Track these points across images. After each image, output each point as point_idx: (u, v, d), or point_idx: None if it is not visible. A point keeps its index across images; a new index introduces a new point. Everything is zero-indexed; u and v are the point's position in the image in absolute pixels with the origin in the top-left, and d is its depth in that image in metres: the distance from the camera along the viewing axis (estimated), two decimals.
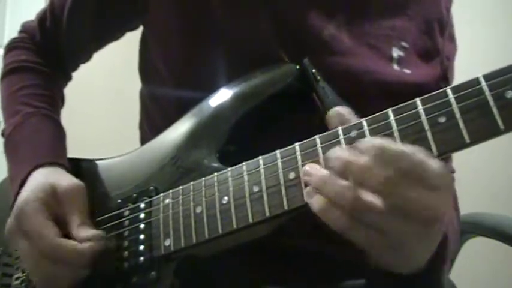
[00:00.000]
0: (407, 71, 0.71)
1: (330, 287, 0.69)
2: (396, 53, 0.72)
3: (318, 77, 0.66)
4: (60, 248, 0.62)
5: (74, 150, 0.79)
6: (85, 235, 0.63)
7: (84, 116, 1.70)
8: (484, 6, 1.97)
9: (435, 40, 0.76)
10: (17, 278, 0.71)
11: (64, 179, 0.69)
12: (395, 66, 0.71)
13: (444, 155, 0.50)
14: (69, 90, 0.92)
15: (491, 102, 0.47)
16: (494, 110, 0.47)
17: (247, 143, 0.66)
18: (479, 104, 0.48)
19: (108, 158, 0.75)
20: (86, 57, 0.90)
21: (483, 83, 0.48)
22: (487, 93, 0.48)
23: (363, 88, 0.69)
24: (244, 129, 0.67)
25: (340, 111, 0.58)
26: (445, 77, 0.75)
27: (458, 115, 0.49)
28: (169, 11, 0.75)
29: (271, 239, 0.60)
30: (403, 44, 0.73)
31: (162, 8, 0.76)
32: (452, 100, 0.49)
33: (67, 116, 0.85)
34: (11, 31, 1.57)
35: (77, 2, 0.83)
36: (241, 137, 0.67)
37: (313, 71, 0.66)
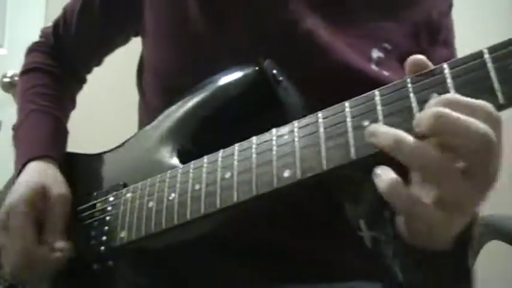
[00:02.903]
0: (385, 72, 0.70)
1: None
2: (376, 54, 0.71)
3: (280, 78, 0.66)
4: (33, 253, 0.69)
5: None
6: (57, 245, 0.69)
7: (86, 116, 1.76)
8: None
9: (422, 45, 0.74)
10: None
11: (55, 185, 0.74)
12: (373, 67, 0.70)
13: None
14: None
15: (493, 76, 0.45)
16: (496, 85, 0.45)
17: (211, 144, 0.68)
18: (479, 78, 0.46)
19: (94, 154, 0.80)
20: (97, 61, 0.96)
21: (486, 55, 0.46)
22: (490, 65, 0.46)
23: (338, 84, 0.66)
24: (207, 130, 0.69)
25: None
26: None
27: (452, 91, 0.47)
28: (157, 18, 0.78)
29: (262, 237, 0.62)
30: (386, 45, 0.72)
31: (152, 14, 0.79)
32: (448, 74, 0.48)
33: (70, 116, 0.92)
34: (11, 31, 1.57)
35: (84, 7, 0.89)
36: (204, 138, 0.69)
37: (274, 72, 0.66)
